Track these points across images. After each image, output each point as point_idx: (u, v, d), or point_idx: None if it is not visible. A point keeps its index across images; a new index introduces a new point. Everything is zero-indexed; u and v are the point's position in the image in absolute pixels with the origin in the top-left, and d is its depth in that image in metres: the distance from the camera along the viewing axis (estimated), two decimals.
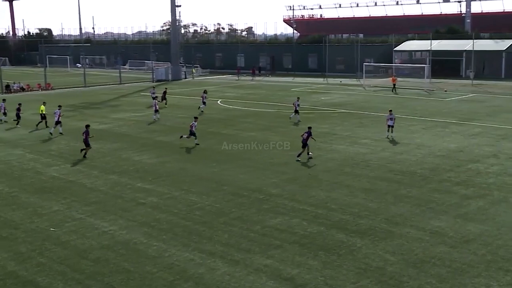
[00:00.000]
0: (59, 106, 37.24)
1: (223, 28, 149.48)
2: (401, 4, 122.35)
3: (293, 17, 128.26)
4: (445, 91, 56.73)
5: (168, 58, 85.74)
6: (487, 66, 72.62)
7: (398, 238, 16.72)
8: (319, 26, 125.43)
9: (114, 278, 14.41)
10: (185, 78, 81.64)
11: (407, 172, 24.43)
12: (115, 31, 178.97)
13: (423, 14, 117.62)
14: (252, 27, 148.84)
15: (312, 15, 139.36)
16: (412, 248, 15.94)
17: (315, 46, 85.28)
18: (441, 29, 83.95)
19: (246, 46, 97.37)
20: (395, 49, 78.21)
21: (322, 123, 37.34)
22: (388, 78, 65.52)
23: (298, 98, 40.64)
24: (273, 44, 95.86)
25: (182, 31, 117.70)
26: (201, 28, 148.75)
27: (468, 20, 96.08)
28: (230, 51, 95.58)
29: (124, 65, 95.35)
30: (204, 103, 45.10)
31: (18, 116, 39.10)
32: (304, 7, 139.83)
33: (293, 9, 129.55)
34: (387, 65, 72.85)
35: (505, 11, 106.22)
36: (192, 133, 30.97)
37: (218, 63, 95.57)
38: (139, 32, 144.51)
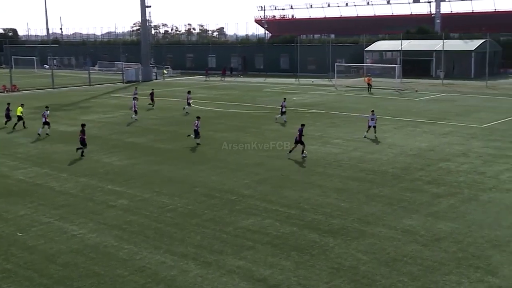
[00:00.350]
0: (47, 106, 37.11)
1: (194, 29, 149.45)
2: (372, 5, 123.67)
3: (265, 18, 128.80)
4: (416, 90, 57.50)
5: (138, 59, 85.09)
6: (456, 66, 73.81)
7: (370, 237, 16.87)
8: (290, 27, 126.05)
9: (84, 282, 14.23)
10: (156, 79, 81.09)
11: (378, 171, 24.69)
12: (84, 31, 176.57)
13: (394, 14, 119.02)
14: (223, 28, 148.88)
15: (284, 15, 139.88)
16: (384, 247, 16.10)
17: (286, 47, 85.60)
18: (412, 29, 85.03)
19: (217, 46, 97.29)
20: (366, 49, 78.97)
21: (294, 123, 37.41)
22: (360, 78, 66.20)
23: (285, 99, 40.73)
24: (244, 44, 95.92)
25: (153, 31, 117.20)
26: (171, 29, 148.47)
27: (438, 21, 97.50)
28: (201, 52, 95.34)
29: (93, 66, 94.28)
30: (189, 104, 44.94)
31: (7, 117, 38.95)
32: (275, 7, 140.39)
33: (265, 10, 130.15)
34: (359, 65, 73.54)
35: (473, 11, 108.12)
36: (196, 133, 31.01)
37: (189, 64, 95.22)
38: (109, 32, 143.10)
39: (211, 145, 31.01)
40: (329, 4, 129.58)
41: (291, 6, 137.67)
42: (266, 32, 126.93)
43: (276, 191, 21.94)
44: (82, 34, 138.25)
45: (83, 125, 29.50)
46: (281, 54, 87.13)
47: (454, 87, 60.89)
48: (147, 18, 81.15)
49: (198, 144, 30.93)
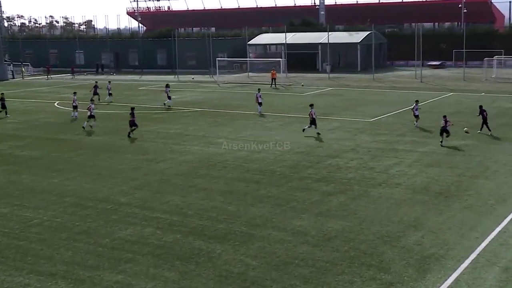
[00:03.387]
0: (74, 92, 41.80)
1: (57, 21, 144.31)
2: None
3: (138, 10, 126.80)
4: (302, 85, 59.30)
5: None
6: (343, 59, 77.01)
7: (259, 241, 17.14)
8: (167, 19, 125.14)
9: None
10: (13, 78, 77.58)
11: (266, 171, 25.17)
12: None
13: (277, 6, 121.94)
14: (91, 21, 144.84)
15: (159, 7, 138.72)
16: (274, 250, 16.42)
17: (163, 41, 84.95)
18: (295, 21, 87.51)
19: (85, 41, 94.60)
20: (249, 43, 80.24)
21: (174, 123, 37.31)
22: (243, 73, 67.14)
23: (259, 89, 42.47)
24: (116, 39, 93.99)
25: (6, 24, 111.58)
26: (29, 21, 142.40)
27: (322, 12, 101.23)
28: (67, 47, 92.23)
29: None
30: (169, 97, 45.58)
31: (3, 106, 42.07)
32: None
33: (138, 1, 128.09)
34: (241, 59, 74.60)
35: (358, 3, 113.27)
36: (313, 122, 32.30)
37: (54, 61, 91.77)
38: None
39: (82, 150, 30.11)
40: None
41: None
42: (140, 25, 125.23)
43: (156, 197, 21.71)
44: None
45: (132, 109, 33.89)
46: (157, 49, 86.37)
47: (340, 80, 63.50)
48: None
49: (318, 134, 32.19)
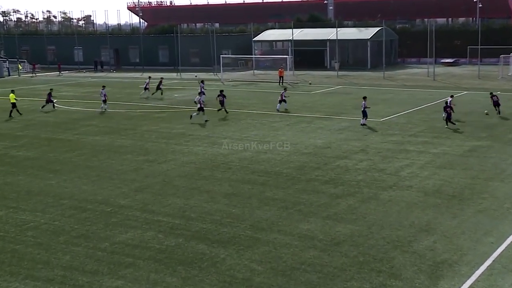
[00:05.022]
0: (103, 86, 45.41)
1: (54, 17, 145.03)
2: None
3: (139, 4, 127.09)
4: (310, 83, 59.30)
5: None
6: (352, 56, 76.92)
7: (265, 245, 17.15)
8: (169, 15, 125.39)
9: None
10: (9, 75, 77.93)
11: (272, 172, 25.18)
12: None
13: (283, 1, 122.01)
14: (90, 16, 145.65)
15: (161, 1, 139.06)
16: (280, 255, 16.42)
17: (165, 37, 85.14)
18: (303, 17, 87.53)
19: (84, 37, 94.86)
20: (254, 39, 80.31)
21: (176, 123, 37.35)
22: (248, 71, 67.07)
23: (286, 88, 44.37)
24: (116, 35, 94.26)
25: (1, 19, 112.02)
26: (26, 16, 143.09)
27: (331, 7, 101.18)
28: (65, 44, 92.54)
29: None
30: (203, 92, 44.64)
31: (50, 101, 44.56)
32: None
33: None
34: (247, 56, 74.68)
35: None
36: (365, 114, 35.20)
37: (51, 58, 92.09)
38: None
39: (80, 150, 30.19)
40: None
41: None
42: (142, 21, 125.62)
43: (158, 199, 21.75)
44: None
45: (221, 91, 40.76)
46: (159, 46, 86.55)
47: (350, 79, 63.48)
48: None
49: (364, 125, 34.80)
